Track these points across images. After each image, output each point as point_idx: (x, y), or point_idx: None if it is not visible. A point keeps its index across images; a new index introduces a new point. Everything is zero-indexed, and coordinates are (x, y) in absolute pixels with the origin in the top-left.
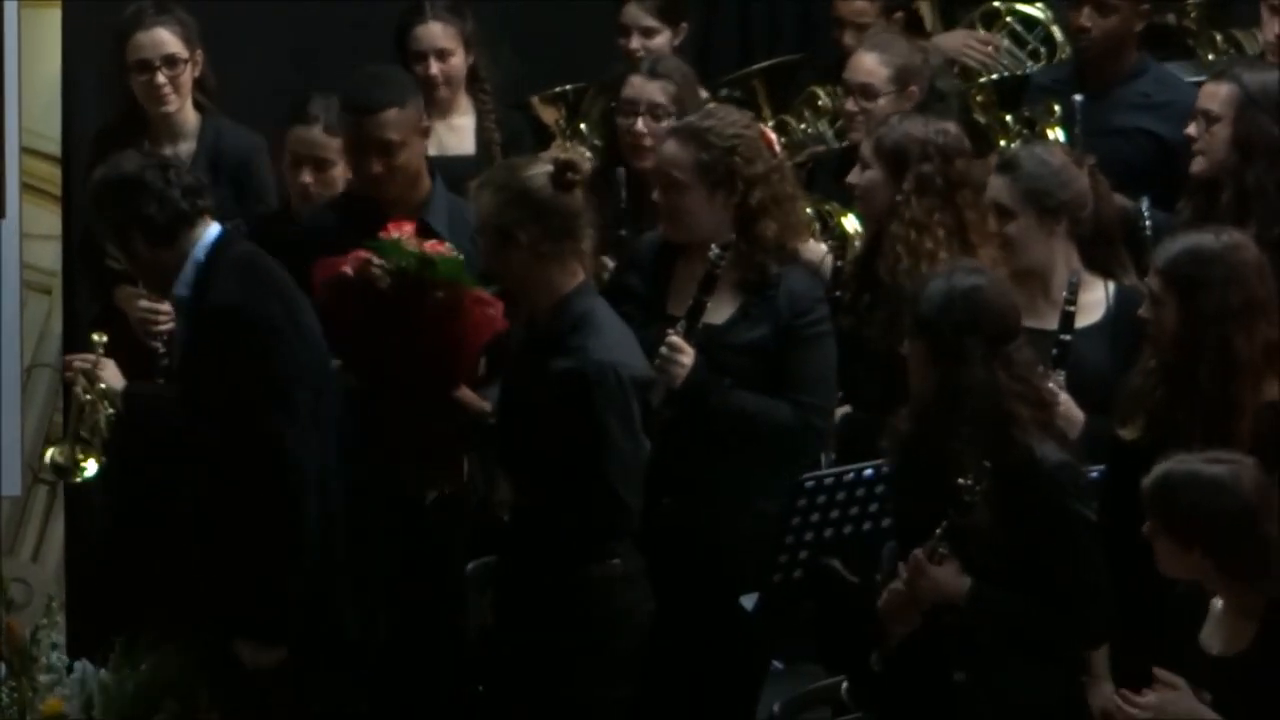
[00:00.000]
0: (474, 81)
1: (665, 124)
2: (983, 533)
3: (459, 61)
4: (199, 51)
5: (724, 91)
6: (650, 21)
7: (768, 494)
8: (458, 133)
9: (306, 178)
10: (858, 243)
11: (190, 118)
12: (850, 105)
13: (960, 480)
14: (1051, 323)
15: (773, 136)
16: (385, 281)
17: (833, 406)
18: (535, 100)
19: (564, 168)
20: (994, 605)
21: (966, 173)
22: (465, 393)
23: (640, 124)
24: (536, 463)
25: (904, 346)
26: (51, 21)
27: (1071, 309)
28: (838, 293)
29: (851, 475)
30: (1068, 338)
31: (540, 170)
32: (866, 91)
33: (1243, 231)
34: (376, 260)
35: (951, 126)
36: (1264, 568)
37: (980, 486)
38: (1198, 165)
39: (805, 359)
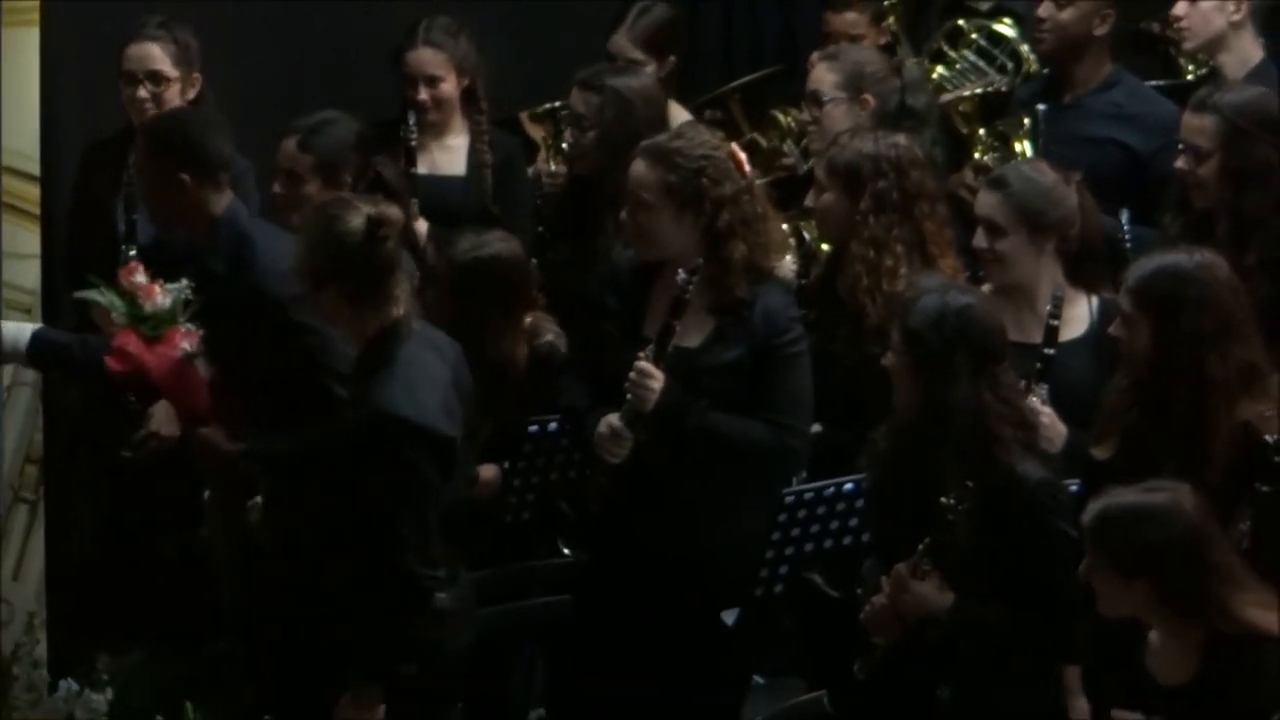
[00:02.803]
0: (469, 103)
1: (590, 135)
2: (965, 548)
3: (449, 87)
4: (196, 74)
5: (707, 113)
6: (636, 54)
7: (746, 511)
8: (450, 153)
9: (277, 188)
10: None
11: None
12: (804, 115)
13: (943, 499)
14: (1035, 337)
15: (742, 157)
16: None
17: (809, 426)
18: (524, 117)
19: (376, 223)
20: (976, 620)
21: (922, 184)
22: (207, 434)
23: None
24: (338, 514)
25: (888, 359)
26: (30, 42)
27: (1055, 323)
28: (801, 310)
29: (831, 490)
30: (1051, 352)
31: (356, 221)
32: (816, 99)
33: (1239, 256)
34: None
35: (902, 139)
36: (1207, 598)
37: (963, 505)
38: (1196, 201)
39: (781, 379)
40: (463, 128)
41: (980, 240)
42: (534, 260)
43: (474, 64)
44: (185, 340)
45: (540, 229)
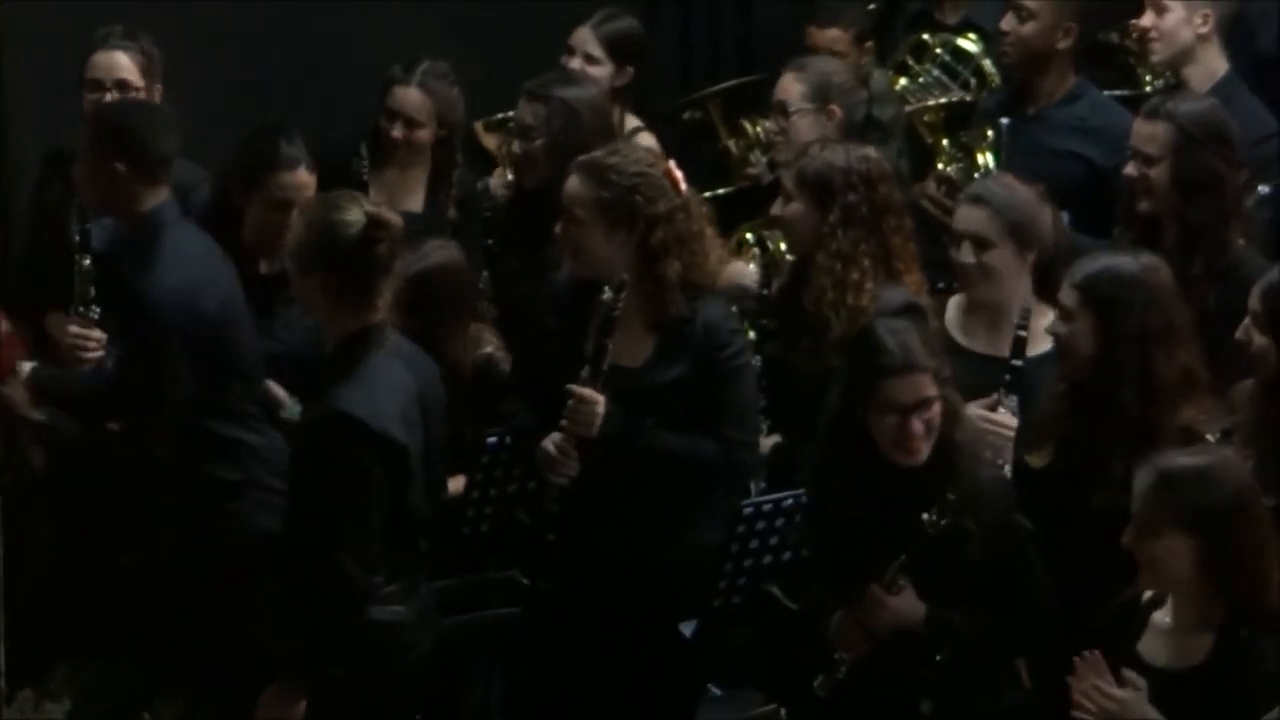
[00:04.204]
0: (442, 150)
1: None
2: (938, 558)
3: (426, 135)
4: (157, 86)
5: (686, 114)
6: (597, 51)
7: (700, 524)
8: (409, 187)
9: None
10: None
11: None
12: (771, 125)
13: (925, 515)
14: (1005, 350)
15: (678, 175)
16: None
17: (757, 438)
18: (479, 126)
19: (374, 223)
20: (953, 628)
21: (890, 198)
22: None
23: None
24: (294, 507)
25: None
26: None
27: (1024, 334)
28: (763, 320)
29: (790, 501)
30: (1019, 363)
31: (354, 216)
32: (783, 109)
33: (1186, 265)
34: None
35: (872, 152)
36: (1246, 568)
37: (945, 520)
38: (1141, 205)
39: (727, 393)
40: (426, 164)
41: (967, 255)
42: (485, 273)
43: (458, 118)
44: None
45: (490, 241)
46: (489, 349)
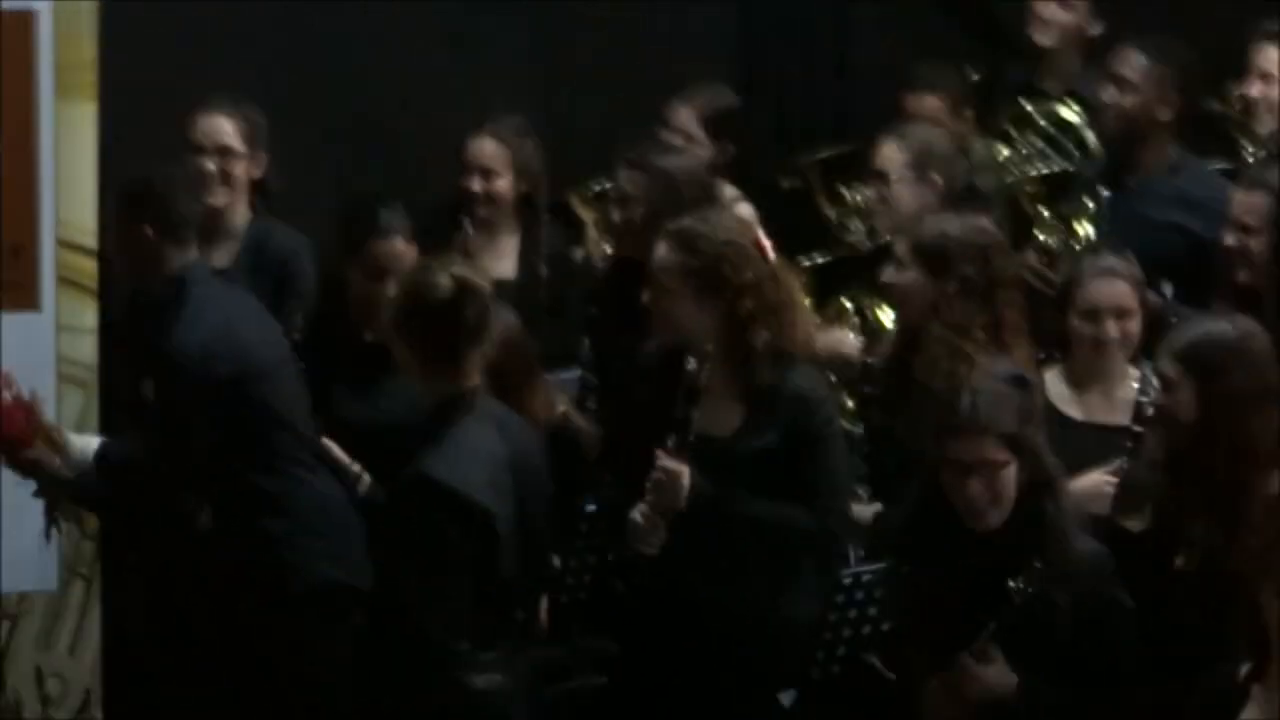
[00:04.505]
0: (525, 207)
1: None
2: (1030, 629)
3: (505, 185)
4: (261, 154)
5: (785, 182)
6: (696, 130)
7: (797, 593)
8: (500, 259)
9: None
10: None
11: (240, 216)
12: (870, 194)
13: (1011, 583)
14: (1110, 417)
15: (767, 244)
16: None
17: (849, 506)
18: (574, 199)
19: (461, 289)
20: (1044, 699)
21: (1004, 270)
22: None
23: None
24: (379, 571)
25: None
26: (87, 116)
27: (1145, 400)
28: (866, 388)
29: (885, 573)
30: (1140, 429)
31: (442, 282)
32: (883, 177)
33: None
34: None
35: (987, 223)
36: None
37: (1032, 588)
38: (1240, 276)
39: (817, 461)
40: (515, 228)
41: (1111, 330)
42: (587, 341)
43: (535, 171)
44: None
45: (593, 310)
46: (562, 408)
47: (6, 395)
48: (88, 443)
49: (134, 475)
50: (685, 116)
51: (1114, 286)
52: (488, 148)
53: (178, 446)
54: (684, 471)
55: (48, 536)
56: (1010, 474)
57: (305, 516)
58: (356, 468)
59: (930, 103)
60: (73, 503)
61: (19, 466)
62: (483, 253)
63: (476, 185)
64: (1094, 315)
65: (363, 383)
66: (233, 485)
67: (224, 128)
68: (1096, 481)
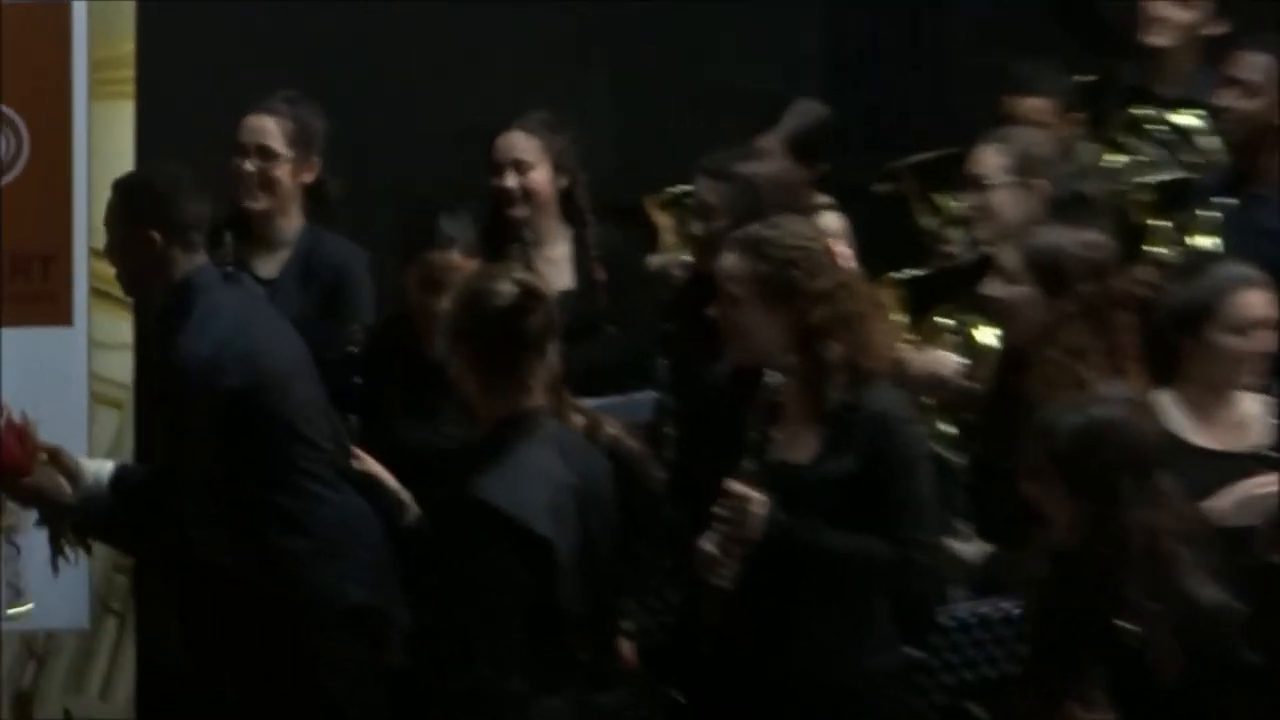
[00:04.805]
0: (568, 206)
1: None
2: (1140, 677)
3: (541, 178)
4: (314, 158)
5: (879, 188)
6: (785, 156)
7: (872, 634)
8: (554, 265)
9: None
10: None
11: (290, 224)
12: (969, 202)
13: (1124, 626)
14: (1224, 443)
15: (843, 251)
16: None
17: (936, 538)
18: (649, 203)
19: (525, 294)
20: None
21: (1121, 289)
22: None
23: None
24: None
25: (1030, 485)
26: (123, 116)
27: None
28: (967, 414)
29: (994, 613)
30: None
31: (504, 289)
32: (980, 183)
33: None
34: None
35: (1103, 239)
36: None
37: (1146, 634)
38: None
39: (901, 489)
40: (563, 235)
41: (1261, 344)
42: (663, 361)
43: (572, 164)
44: None
45: (668, 326)
46: (612, 431)
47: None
48: (101, 467)
49: (147, 496)
50: (771, 144)
51: (1264, 297)
52: (518, 140)
53: (187, 463)
54: (760, 499)
55: (55, 568)
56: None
57: (328, 535)
58: (404, 495)
59: (1033, 105)
60: (79, 532)
61: (19, 496)
62: (537, 266)
63: (510, 181)
64: (1241, 329)
65: (424, 404)
66: (248, 503)
67: (265, 128)
68: (1247, 489)
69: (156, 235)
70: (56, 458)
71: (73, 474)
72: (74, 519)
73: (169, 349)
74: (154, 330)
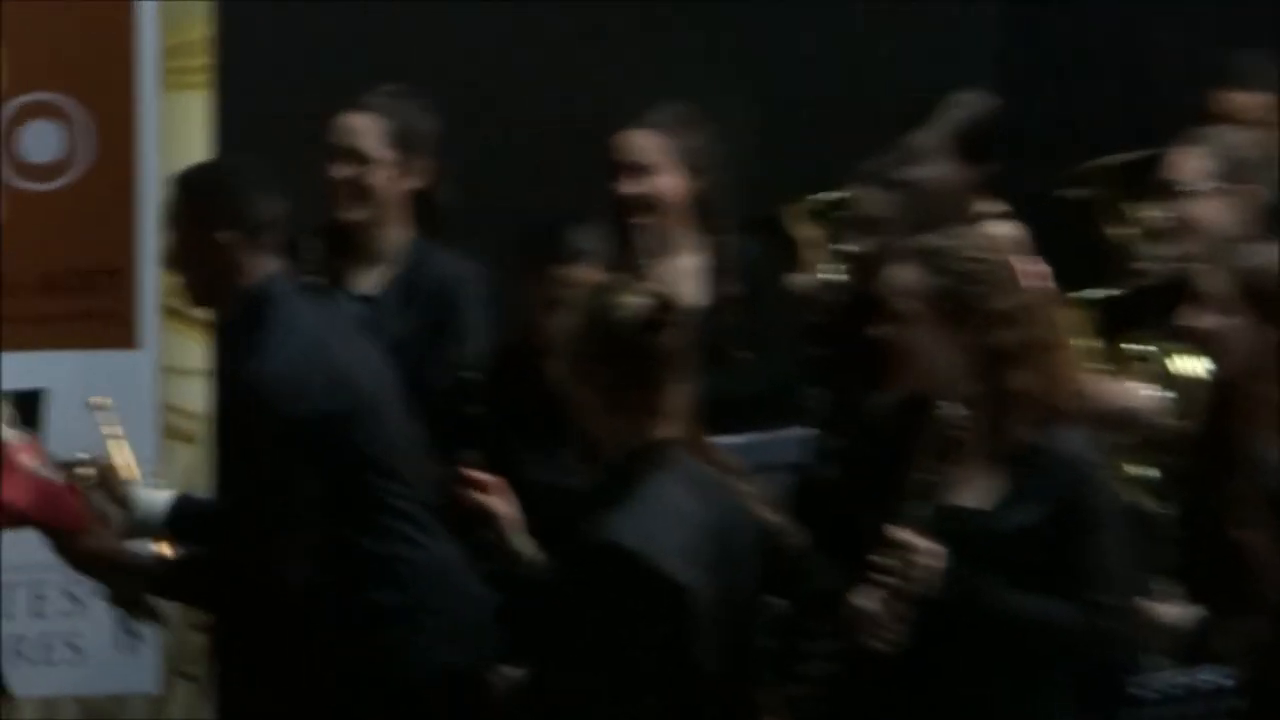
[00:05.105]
0: (702, 212)
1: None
2: None
3: (669, 184)
4: (421, 162)
5: (1064, 194)
6: (950, 158)
7: (1050, 710)
8: (683, 276)
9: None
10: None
11: (394, 235)
12: (1167, 212)
13: None
14: None
15: (1030, 268)
16: None
17: (1130, 600)
18: (789, 212)
19: (658, 307)
20: None
21: None
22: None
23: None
24: (545, 640)
25: (1244, 536)
26: (197, 108)
27: None
28: (1169, 458)
29: (1202, 684)
30: None
31: (634, 301)
32: (1177, 190)
33: None
34: None
35: None
36: None
37: None
38: None
39: (1089, 544)
40: (697, 245)
41: None
42: (813, 391)
43: (707, 164)
44: (24, 455)
45: (816, 351)
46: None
47: (42, 472)
48: (153, 500)
49: (212, 537)
50: (932, 142)
51: None
52: (641, 140)
53: (258, 499)
54: (934, 549)
55: (126, 636)
56: None
57: (419, 587)
58: (520, 540)
59: (1245, 101)
60: (152, 594)
61: (77, 562)
62: (658, 273)
63: (632, 187)
64: None
65: (551, 438)
66: (329, 549)
67: (360, 128)
68: None
69: (226, 236)
70: (107, 479)
71: (122, 501)
72: (146, 587)
73: (239, 366)
74: (221, 344)
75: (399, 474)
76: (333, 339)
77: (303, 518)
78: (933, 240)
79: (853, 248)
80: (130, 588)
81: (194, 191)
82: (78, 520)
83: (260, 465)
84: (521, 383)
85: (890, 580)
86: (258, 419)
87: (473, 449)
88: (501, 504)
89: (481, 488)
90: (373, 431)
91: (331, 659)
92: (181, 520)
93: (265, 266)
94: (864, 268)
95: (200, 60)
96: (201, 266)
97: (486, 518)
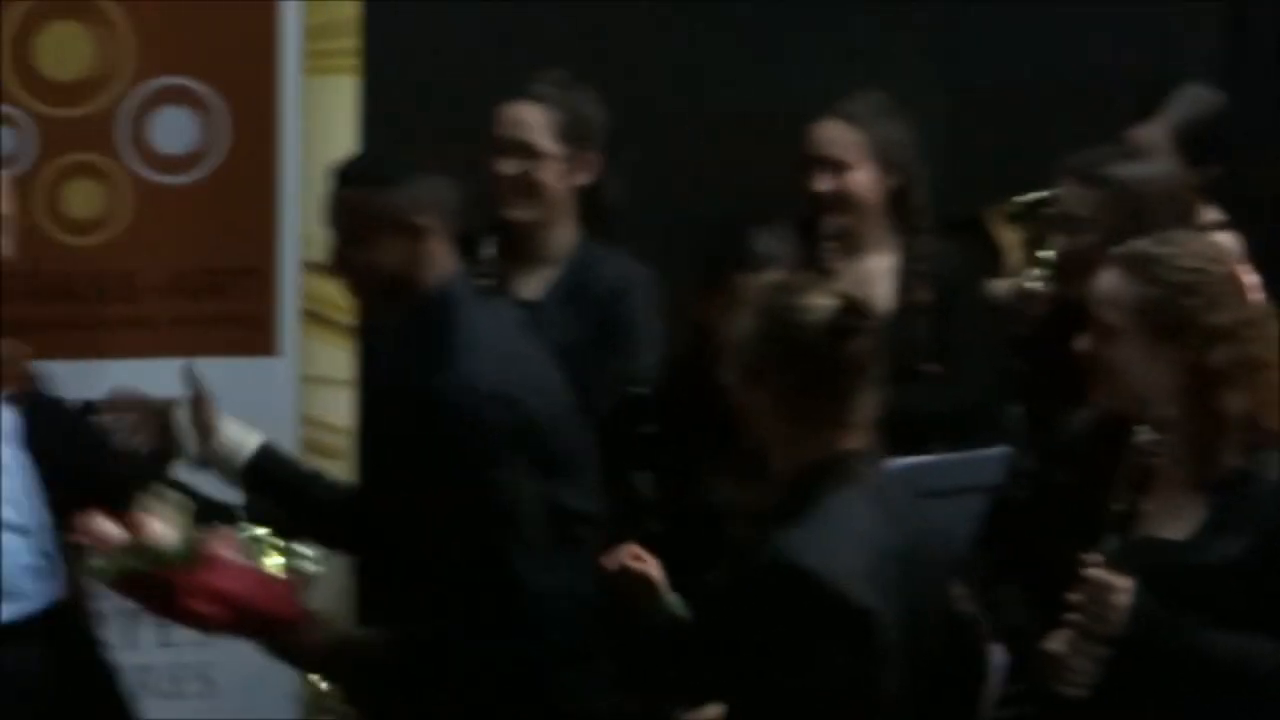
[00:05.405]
0: (898, 211)
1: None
2: None
3: (864, 180)
4: (590, 157)
5: None
6: (1165, 147)
7: None
8: (872, 279)
9: None
10: None
11: (560, 236)
12: None
13: None
14: None
15: (1251, 280)
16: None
17: None
18: (991, 214)
19: (845, 310)
20: None
21: None
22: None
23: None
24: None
25: None
26: (343, 94)
27: None
28: None
29: None
30: None
31: (818, 303)
32: None
33: None
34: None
35: None
36: None
37: None
38: None
39: None
40: (891, 247)
41: None
42: (1014, 409)
43: (906, 158)
44: (225, 549)
45: (1018, 365)
46: None
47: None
48: (243, 439)
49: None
50: (1155, 138)
51: None
52: (835, 133)
53: (490, 517)
54: (1124, 585)
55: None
56: None
57: (585, 628)
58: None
59: None
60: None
61: (298, 657)
62: (855, 278)
63: (825, 184)
64: None
65: (726, 457)
66: (499, 582)
67: (529, 120)
68: None
69: (403, 234)
70: (200, 403)
71: (207, 429)
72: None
73: (422, 373)
74: (396, 351)
75: (578, 501)
76: (520, 350)
77: (538, 528)
78: (1144, 247)
79: (1054, 252)
80: (361, 679)
81: (362, 184)
82: (298, 610)
83: (468, 483)
84: (697, 400)
85: (1079, 619)
86: (462, 433)
87: (645, 471)
88: (655, 568)
89: (636, 558)
90: (555, 453)
91: (495, 707)
92: (262, 475)
93: (442, 266)
94: (1067, 274)
95: (348, 41)
96: (373, 266)
97: (642, 584)
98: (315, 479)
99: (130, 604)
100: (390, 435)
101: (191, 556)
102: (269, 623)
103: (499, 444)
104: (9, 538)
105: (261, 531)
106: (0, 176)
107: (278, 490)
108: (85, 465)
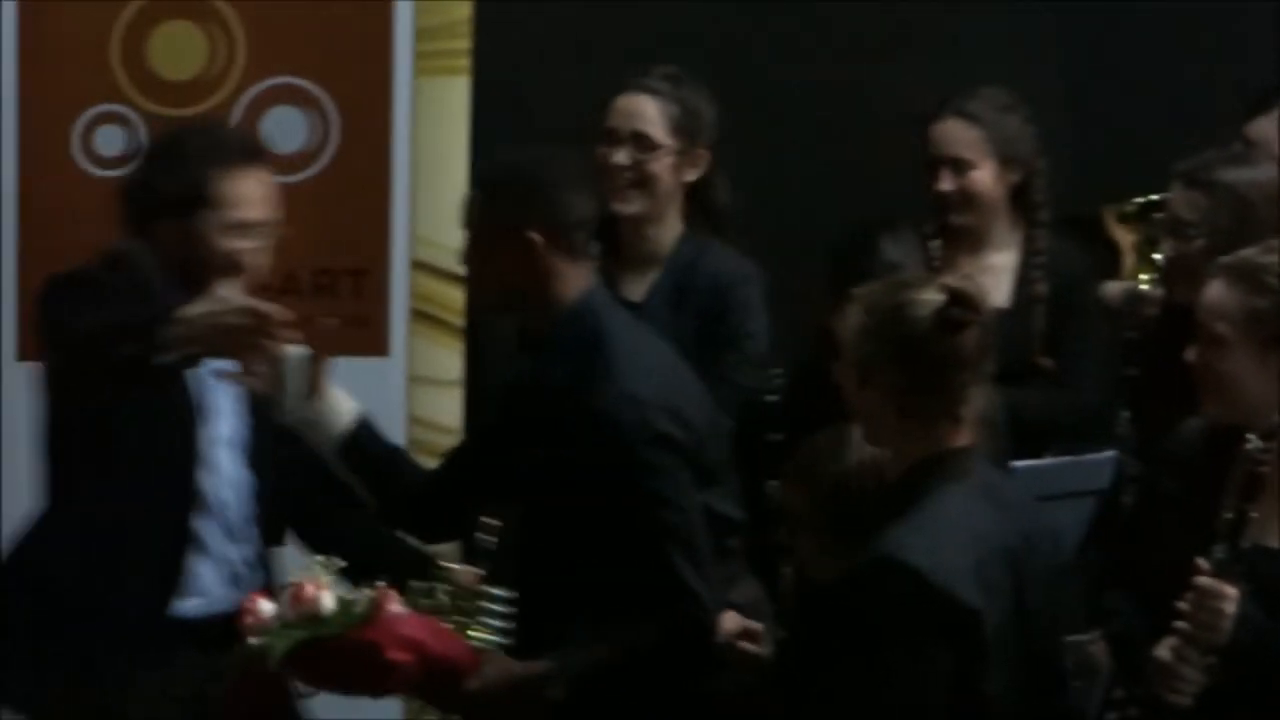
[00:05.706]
0: (1022, 209)
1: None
2: None
3: (985, 178)
4: (700, 151)
5: None
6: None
7: None
8: (992, 275)
9: None
10: None
11: (667, 233)
12: None
13: None
14: None
15: None
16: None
17: None
18: (1109, 215)
19: (955, 302)
20: None
21: None
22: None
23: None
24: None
25: None
26: (457, 95)
27: None
28: None
29: None
30: None
31: (928, 297)
32: None
33: None
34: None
35: None
36: None
37: None
38: None
39: None
40: (1012, 242)
41: None
42: (1125, 414)
43: (1028, 154)
44: (391, 603)
45: (1132, 371)
46: None
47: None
48: (345, 405)
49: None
50: (1268, 132)
51: None
52: (955, 131)
53: (661, 529)
54: (1230, 594)
55: None
56: None
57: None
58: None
59: None
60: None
61: (472, 706)
62: (975, 274)
63: (946, 183)
64: None
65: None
66: (670, 595)
67: (644, 111)
68: None
69: (538, 238)
70: (313, 364)
71: (312, 389)
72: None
73: (580, 385)
74: (537, 364)
75: (726, 516)
76: (668, 358)
77: (704, 539)
78: (1252, 255)
79: (1162, 257)
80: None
81: (501, 186)
82: (471, 655)
83: (636, 496)
84: (825, 408)
85: (1186, 627)
86: (628, 445)
87: (775, 480)
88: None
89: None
90: (705, 468)
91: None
92: (357, 447)
93: (581, 274)
94: (1174, 280)
95: (461, 42)
96: (504, 272)
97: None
98: (408, 462)
99: (297, 682)
100: (524, 440)
101: (372, 614)
102: (454, 668)
103: (665, 455)
104: (215, 534)
105: (438, 586)
106: (270, 181)
107: (369, 466)
108: (300, 490)
